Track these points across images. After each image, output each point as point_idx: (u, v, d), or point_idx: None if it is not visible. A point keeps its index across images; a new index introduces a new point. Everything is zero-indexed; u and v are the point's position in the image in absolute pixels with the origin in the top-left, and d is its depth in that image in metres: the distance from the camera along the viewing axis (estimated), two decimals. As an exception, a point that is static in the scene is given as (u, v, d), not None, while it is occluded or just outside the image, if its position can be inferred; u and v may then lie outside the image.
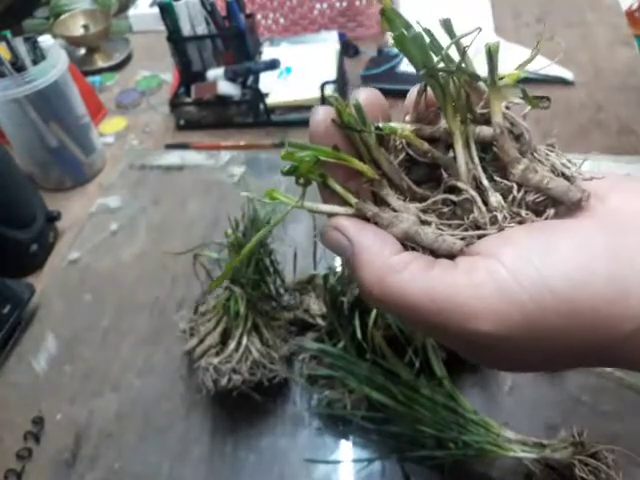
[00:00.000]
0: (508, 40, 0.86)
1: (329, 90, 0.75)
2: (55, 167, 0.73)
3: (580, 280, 0.17)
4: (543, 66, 0.78)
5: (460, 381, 0.46)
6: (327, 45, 0.84)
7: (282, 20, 0.93)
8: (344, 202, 0.21)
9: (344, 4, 0.91)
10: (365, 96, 0.21)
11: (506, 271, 0.18)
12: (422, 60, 0.20)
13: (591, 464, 0.38)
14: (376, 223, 0.21)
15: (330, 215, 0.21)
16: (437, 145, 0.21)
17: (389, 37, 0.93)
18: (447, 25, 0.20)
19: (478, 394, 0.46)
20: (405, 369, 0.42)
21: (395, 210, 0.21)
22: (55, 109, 0.68)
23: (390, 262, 0.19)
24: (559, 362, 0.20)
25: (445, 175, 0.21)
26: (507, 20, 0.94)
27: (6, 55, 0.65)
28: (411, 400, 0.41)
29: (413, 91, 0.22)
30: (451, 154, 0.21)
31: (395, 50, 0.87)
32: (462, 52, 0.20)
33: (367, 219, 0.21)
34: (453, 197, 0.21)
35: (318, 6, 0.91)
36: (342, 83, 0.81)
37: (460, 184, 0.20)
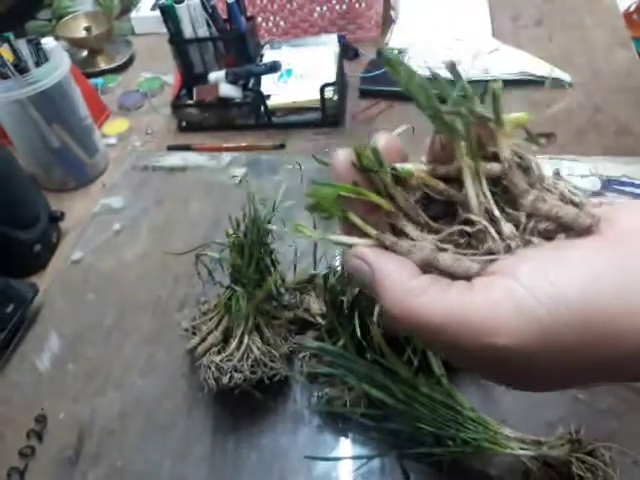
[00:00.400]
0: (506, 43, 0.87)
1: (329, 92, 0.76)
2: (58, 168, 0.74)
3: (590, 295, 0.18)
4: (542, 69, 0.79)
5: (458, 379, 0.46)
6: (327, 48, 0.85)
7: (282, 23, 0.94)
8: (364, 235, 0.22)
9: (344, 7, 0.91)
10: (384, 141, 0.22)
11: (523, 287, 0.18)
12: (428, 105, 0.21)
13: (588, 461, 0.38)
14: (395, 252, 0.22)
15: (351, 246, 0.22)
16: (452, 183, 0.22)
17: (389, 40, 0.93)
18: (452, 68, 0.21)
19: (476, 392, 0.46)
20: (404, 367, 0.42)
21: (413, 240, 0.22)
22: (58, 110, 0.69)
23: (409, 286, 0.20)
24: (575, 378, 0.20)
25: (460, 210, 0.22)
26: (505, 23, 0.94)
27: (9, 56, 0.66)
28: (410, 398, 0.41)
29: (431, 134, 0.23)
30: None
31: (394, 52, 0.87)
32: (469, 96, 0.21)
33: (386, 249, 0.22)
34: (467, 228, 0.21)
35: (318, 9, 0.92)
36: (342, 85, 0.81)
37: (473, 216, 0.21)
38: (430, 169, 0.22)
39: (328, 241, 0.23)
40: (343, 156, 0.22)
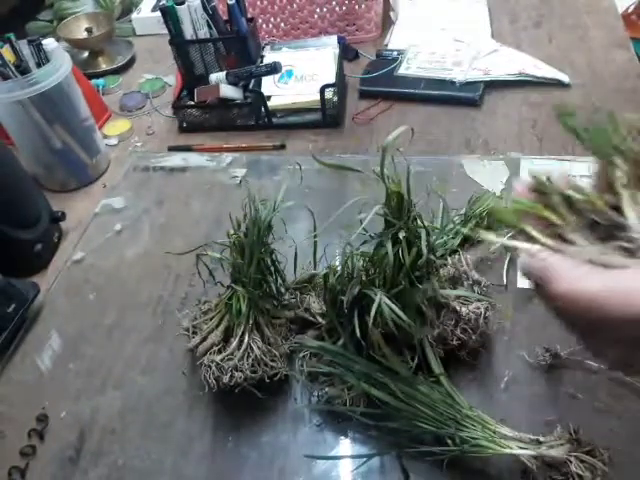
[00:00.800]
0: (506, 44, 0.87)
1: (329, 93, 0.76)
2: (60, 168, 0.74)
3: None
4: (540, 69, 0.80)
5: (457, 378, 0.46)
6: (327, 49, 0.85)
7: (283, 25, 0.95)
8: (536, 242, 0.27)
9: (344, 8, 0.92)
10: (559, 174, 0.28)
11: None
12: (597, 145, 0.27)
13: (587, 461, 0.38)
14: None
15: (525, 250, 0.27)
16: (616, 210, 0.26)
17: (388, 41, 0.94)
18: (612, 118, 0.27)
19: (475, 391, 0.46)
20: (403, 366, 0.43)
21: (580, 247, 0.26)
22: (59, 111, 0.69)
23: (576, 272, 0.25)
24: None
25: (617, 232, 0.26)
26: (505, 24, 0.95)
27: (10, 57, 0.66)
28: (409, 397, 0.42)
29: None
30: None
31: (393, 54, 0.88)
32: (630, 137, 0.27)
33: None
34: (626, 244, 0.25)
35: (318, 11, 0.92)
36: (341, 86, 0.82)
37: (630, 234, 0.25)
38: (597, 196, 0.27)
39: (507, 246, 0.28)
40: (524, 182, 0.29)
